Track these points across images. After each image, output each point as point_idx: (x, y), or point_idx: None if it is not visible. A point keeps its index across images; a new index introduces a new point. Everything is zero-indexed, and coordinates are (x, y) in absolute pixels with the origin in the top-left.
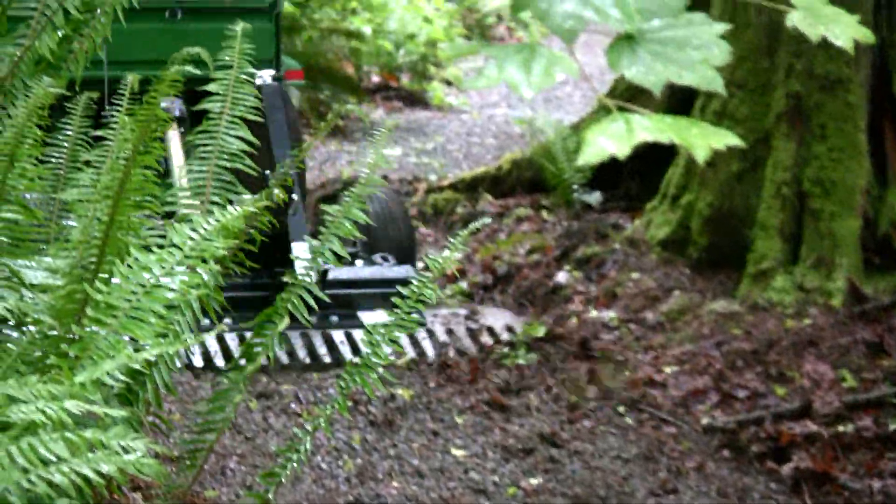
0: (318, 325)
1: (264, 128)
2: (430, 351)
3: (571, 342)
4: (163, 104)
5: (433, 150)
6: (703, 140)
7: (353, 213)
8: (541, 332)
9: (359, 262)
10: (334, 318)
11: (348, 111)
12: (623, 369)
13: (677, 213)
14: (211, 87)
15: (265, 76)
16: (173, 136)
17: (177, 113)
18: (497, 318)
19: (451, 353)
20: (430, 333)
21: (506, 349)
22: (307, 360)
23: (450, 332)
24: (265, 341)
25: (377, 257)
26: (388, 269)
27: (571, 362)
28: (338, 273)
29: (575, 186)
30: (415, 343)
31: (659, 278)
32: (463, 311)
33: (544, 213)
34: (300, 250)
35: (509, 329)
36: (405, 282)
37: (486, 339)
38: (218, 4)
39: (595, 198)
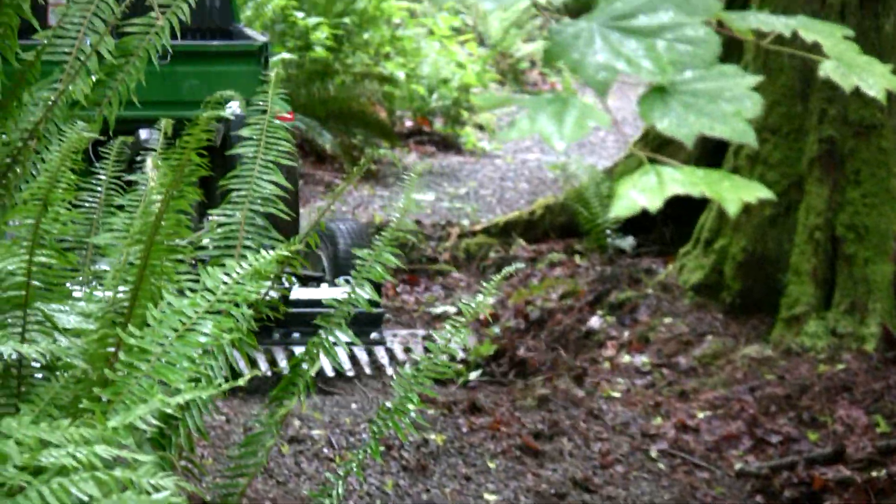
0: (281, 341)
1: (232, 158)
2: (388, 369)
3: (516, 359)
4: (142, 135)
5: (466, 195)
6: (734, 193)
7: (385, 258)
8: (491, 351)
9: (324, 285)
10: (296, 335)
11: (381, 155)
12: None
13: (710, 257)
14: (244, 132)
15: (234, 108)
16: (150, 164)
17: (153, 143)
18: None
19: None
20: (389, 352)
21: (459, 366)
22: (269, 373)
23: (408, 350)
24: (297, 385)
25: (340, 280)
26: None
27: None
28: (299, 293)
29: (608, 231)
30: (373, 360)
31: (692, 323)
32: (421, 332)
33: (577, 258)
34: None
35: (464, 348)
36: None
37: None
38: (206, 48)
39: (628, 243)
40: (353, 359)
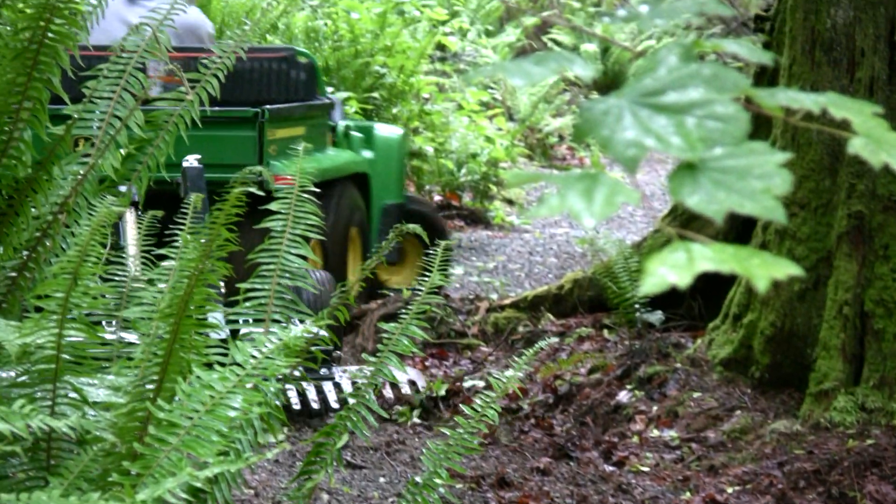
0: None
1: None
2: (334, 404)
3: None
4: (122, 188)
5: (495, 269)
6: (763, 270)
7: (412, 331)
8: (442, 390)
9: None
10: None
11: (410, 230)
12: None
13: (739, 332)
14: (273, 206)
15: (191, 160)
16: (129, 218)
17: (135, 198)
18: (402, 374)
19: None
20: (337, 386)
21: (401, 407)
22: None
23: (355, 385)
24: (324, 458)
25: (294, 320)
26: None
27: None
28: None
29: (637, 306)
30: (319, 392)
31: (721, 398)
32: (369, 369)
33: (606, 333)
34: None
35: (412, 383)
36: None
37: (388, 392)
38: (204, 113)
39: (657, 317)
40: (301, 395)
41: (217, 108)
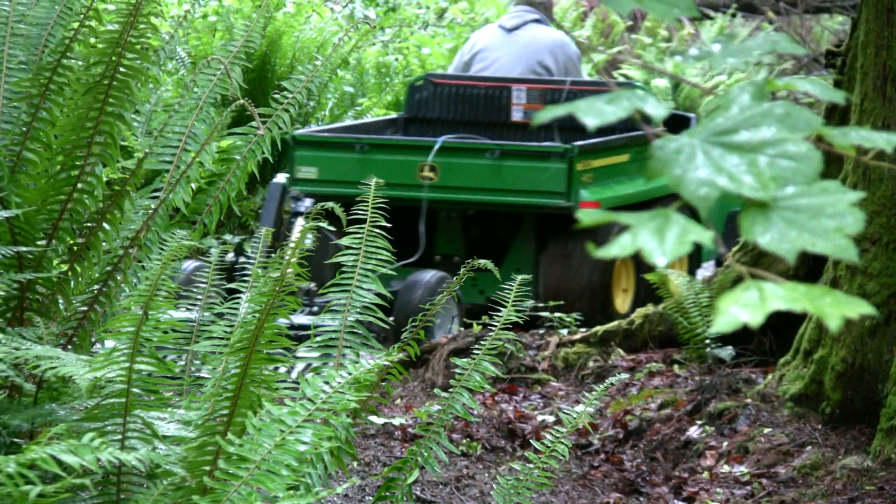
0: None
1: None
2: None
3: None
4: (293, 205)
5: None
6: (836, 309)
7: (485, 367)
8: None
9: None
10: None
11: (483, 265)
12: None
13: (810, 368)
14: (344, 241)
15: (279, 177)
16: (297, 225)
17: (301, 209)
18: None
19: None
20: None
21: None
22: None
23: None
24: (394, 493)
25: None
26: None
27: None
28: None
29: (707, 341)
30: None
31: (791, 433)
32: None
33: (676, 368)
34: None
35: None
36: (306, 327)
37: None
38: (525, 148)
39: (727, 353)
40: None
41: (534, 144)
